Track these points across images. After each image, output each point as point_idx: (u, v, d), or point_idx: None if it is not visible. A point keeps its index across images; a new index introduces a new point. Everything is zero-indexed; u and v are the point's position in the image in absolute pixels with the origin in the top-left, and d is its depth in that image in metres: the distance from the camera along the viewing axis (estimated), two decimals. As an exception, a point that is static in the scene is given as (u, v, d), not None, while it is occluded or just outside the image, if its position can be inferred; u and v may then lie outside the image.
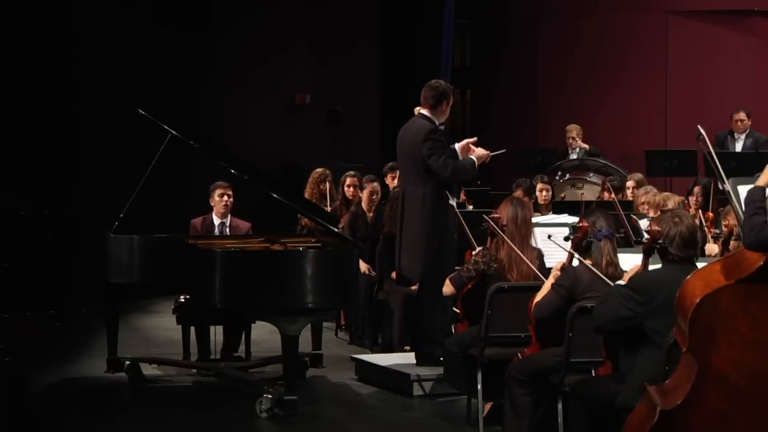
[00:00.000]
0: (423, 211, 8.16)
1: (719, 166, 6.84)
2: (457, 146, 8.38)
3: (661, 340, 5.32)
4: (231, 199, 9.11)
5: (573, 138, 13.97)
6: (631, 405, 5.13)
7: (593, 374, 6.08)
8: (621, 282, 5.83)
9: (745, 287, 4.72)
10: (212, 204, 9.14)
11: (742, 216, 5.19)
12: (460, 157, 8.34)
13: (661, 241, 5.58)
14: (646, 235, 5.90)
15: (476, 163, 8.30)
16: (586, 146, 13.86)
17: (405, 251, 8.32)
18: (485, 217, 7.31)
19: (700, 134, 7.01)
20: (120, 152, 12.23)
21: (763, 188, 4.88)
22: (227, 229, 9.09)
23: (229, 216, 9.15)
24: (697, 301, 4.73)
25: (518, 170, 13.34)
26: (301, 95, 15.02)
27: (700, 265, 5.32)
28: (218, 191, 9.10)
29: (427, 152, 8.11)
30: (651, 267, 5.76)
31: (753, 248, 4.76)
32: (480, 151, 8.35)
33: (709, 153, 6.87)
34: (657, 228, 5.63)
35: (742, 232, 4.98)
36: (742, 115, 13.27)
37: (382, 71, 15.83)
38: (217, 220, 9.12)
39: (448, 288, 7.39)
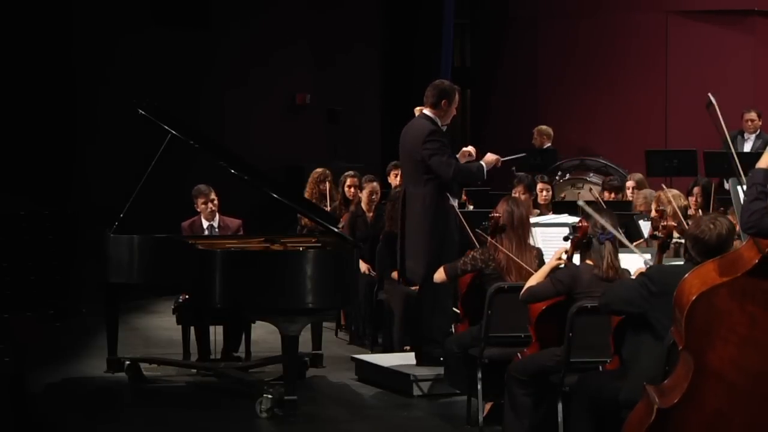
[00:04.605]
0: (424, 213, 8.13)
1: (729, 138, 6.73)
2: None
3: (666, 334, 5.30)
4: (215, 203, 9.09)
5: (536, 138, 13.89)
6: (635, 401, 5.10)
7: (600, 369, 6.07)
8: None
9: (741, 285, 4.71)
10: (197, 209, 9.14)
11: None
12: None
13: (677, 239, 5.57)
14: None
15: (485, 168, 8.24)
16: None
17: (408, 253, 8.28)
18: (484, 224, 7.31)
19: (710, 102, 6.82)
20: (120, 152, 12.23)
21: (764, 170, 4.82)
22: (216, 231, 9.08)
23: (217, 216, 9.14)
24: (693, 298, 4.72)
25: (518, 170, 13.32)
26: (301, 95, 15.01)
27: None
28: (200, 200, 9.09)
29: (428, 154, 8.07)
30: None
31: (749, 233, 4.73)
32: (489, 157, 8.30)
33: (719, 123, 6.71)
34: (673, 223, 5.63)
35: (740, 217, 4.92)
36: (753, 115, 12.90)
37: (382, 71, 15.82)
38: (205, 223, 9.13)
39: (440, 275, 7.36)
